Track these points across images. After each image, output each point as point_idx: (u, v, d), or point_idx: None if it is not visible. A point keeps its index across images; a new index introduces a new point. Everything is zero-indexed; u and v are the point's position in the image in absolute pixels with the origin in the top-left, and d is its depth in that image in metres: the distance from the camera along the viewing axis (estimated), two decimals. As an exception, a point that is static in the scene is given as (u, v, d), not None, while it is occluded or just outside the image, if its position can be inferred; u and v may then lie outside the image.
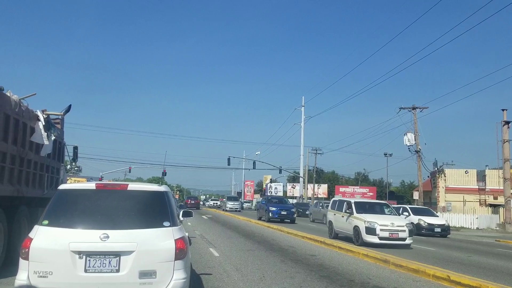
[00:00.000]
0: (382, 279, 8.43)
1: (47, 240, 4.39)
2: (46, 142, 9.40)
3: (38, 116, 9.27)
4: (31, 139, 8.94)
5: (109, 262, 4.39)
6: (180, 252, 4.60)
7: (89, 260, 4.36)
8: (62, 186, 5.19)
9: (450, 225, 35.31)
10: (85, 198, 4.87)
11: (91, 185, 5.05)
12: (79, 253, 4.35)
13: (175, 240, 4.60)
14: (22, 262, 4.38)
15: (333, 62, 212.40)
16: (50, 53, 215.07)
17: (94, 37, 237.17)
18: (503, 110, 31.78)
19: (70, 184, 5.65)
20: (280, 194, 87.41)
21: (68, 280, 4.30)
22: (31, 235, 4.51)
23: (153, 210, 4.85)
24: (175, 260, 4.54)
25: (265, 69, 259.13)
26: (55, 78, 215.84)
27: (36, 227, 4.60)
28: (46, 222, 4.56)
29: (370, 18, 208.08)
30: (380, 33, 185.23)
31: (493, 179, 43.74)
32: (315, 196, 72.14)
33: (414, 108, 37.42)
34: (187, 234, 5.25)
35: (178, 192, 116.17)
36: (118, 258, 4.40)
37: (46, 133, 9.34)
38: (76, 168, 15.91)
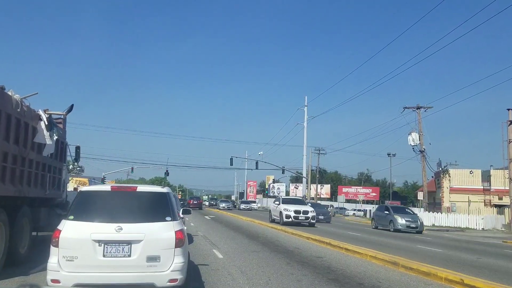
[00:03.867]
0: (392, 283, 8.22)
1: (73, 231, 5.32)
2: (48, 142, 9.25)
3: (40, 115, 9.11)
4: (34, 140, 8.79)
5: (123, 249, 5.31)
6: (179, 241, 5.51)
7: (107, 247, 5.29)
8: (83, 188, 6.08)
9: (456, 225, 35.21)
10: (102, 197, 5.83)
11: (107, 187, 6.08)
12: (99, 241, 5.28)
13: (175, 232, 5.53)
14: (52, 249, 5.26)
15: (336, 62, 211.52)
16: (53, 51, 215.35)
17: (96, 36, 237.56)
18: (508, 109, 31.53)
19: (90, 186, 6.56)
20: (283, 194, 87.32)
21: (90, 263, 5.23)
22: (59, 227, 5.39)
23: (157, 207, 5.77)
24: (175, 247, 5.46)
25: (268, 68, 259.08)
26: (57, 77, 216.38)
27: (63, 221, 5.50)
28: (71, 217, 5.49)
29: (374, 16, 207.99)
30: (384, 32, 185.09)
31: (498, 179, 43.45)
32: (318, 196, 71.90)
33: (418, 108, 37.22)
34: (185, 228, 6.16)
35: (180, 192, 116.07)
36: (129, 245, 5.33)
37: (48, 133, 9.19)
38: (78, 168, 15.75)
